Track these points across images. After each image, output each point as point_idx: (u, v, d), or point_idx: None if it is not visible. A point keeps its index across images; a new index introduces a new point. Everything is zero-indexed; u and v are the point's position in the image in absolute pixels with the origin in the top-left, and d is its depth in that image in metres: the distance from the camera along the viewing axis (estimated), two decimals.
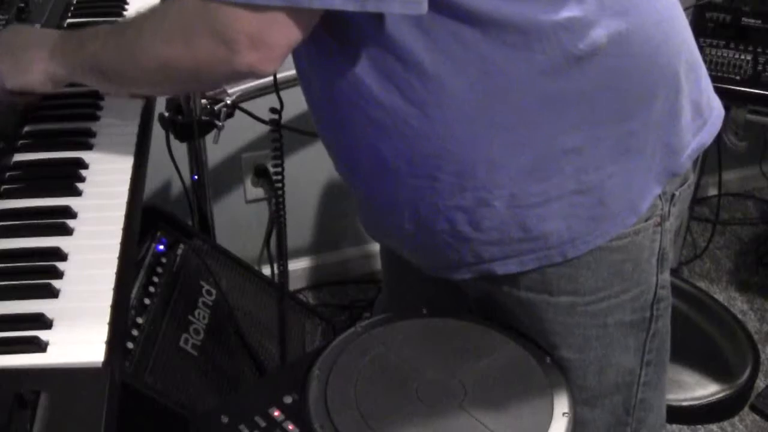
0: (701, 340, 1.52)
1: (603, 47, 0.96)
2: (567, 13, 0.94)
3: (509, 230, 1.03)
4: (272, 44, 0.91)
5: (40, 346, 0.86)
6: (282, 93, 1.57)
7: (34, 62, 1.13)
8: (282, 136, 1.26)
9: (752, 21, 2.06)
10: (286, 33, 0.91)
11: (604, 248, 1.06)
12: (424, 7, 0.89)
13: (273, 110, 1.29)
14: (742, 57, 2.02)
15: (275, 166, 1.25)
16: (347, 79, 0.99)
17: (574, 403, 1.11)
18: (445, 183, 1.02)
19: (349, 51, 0.98)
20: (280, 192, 1.27)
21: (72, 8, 1.50)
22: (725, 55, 2.03)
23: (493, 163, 1.00)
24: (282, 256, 1.36)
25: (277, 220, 1.32)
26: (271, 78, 1.80)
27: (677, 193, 1.10)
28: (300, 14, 0.90)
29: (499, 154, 0.99)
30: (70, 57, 1.11)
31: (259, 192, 2.32)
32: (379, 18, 0.93)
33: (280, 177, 1.26)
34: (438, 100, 0.97)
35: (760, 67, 2.00)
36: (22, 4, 1.37)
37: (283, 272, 1.38)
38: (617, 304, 1.10)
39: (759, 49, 2.03)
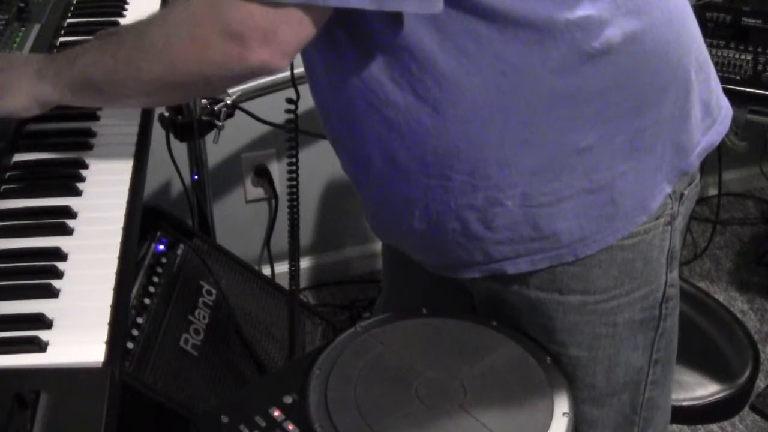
0: (701, 340, 1.52)
1: (617, 46, 0.97)
2: (582, 11, 0.94)
3: (521, 229, 1.04)
4: (285, 40, 0.90)
5: (40, 346, 0.86)
6: (279, 93, 1.57)
7: (17, 84, 1.05)
8: (298, 126, 1.25)
9: (752, 21, 2.06)
10: (300, 29, 0.90)
11: (615, 247, 1.06)
12: (439, 6, 0.89)
13: (289, 101, 1.28)
14: (742, 57, 2.02)
15: (290, 160, 1.24)
16: (360, 77, 0.99)
17: (582, 402, 1.12)
18: (457, 182, 1.02)
19: (364, 49, 0.97)
20: (294, 187, 1.26)
21: (72, 8, 1.50)
22: (725, 55, 2.03)
23: (505, 161, 1.00)
24: (294, 254, 1.35)
25: (291, 216, 1.30)
26: (269, 79, 1.80)
27: (686, 192, 1.11)
28: (315, 11, 0.90)
29: (512, 152, 0.99)
30: (60, 74, 1.03)
31: (259, 192, 2.32)
32: (395, 16, 0.93)
33: (294, 171, 1.25)
34: (452, 99, 0.97)
35: (760, 67, 2.00)
36: (22, 4, 1.37)
37: (295, 271, 1.37)
38: (627, 303, 1.10)
39: (759, 49, 2.03)
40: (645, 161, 1.03)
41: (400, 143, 1.02)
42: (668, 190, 1.07)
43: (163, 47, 0.94)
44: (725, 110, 1.15)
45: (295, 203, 1.27)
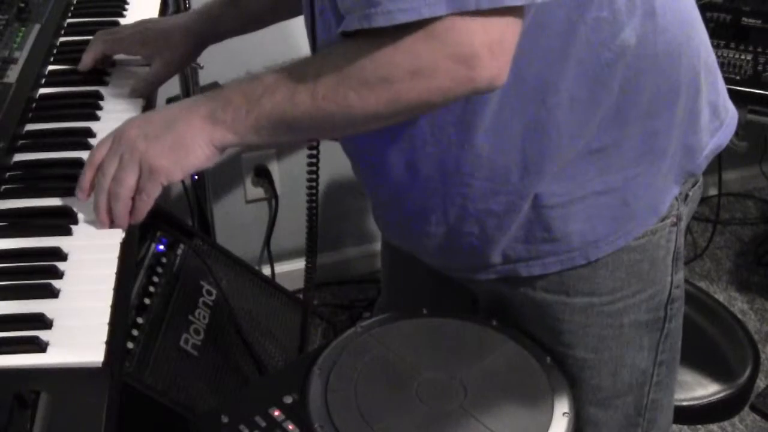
0: (701, 340, 1.52)
1: (632, 48, 0.97)
2: (599, 14, 0.94)
3: (534, 229, 1.04)
4: (508, 48, 0.86)
5: (40, 346, 0.86)
6: None
7: (194, 138, 0.97)
8: None
9: (752, 21, 2.06)
10: (516, 31, 0.86)
11: (623, 248, 1.06)
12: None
13: None
14: (742, 57, 2.02)
15: (311, 160, 1.22)
16: None
17: (587, 404, 1.12)
18: (477, 188, 1.02)
19: None
20: (314, 183, 1.24)
21: (72, 8, 1.50)
22: (725, 55, 2.03)
23: (525, 166, 1.00)
24: (312, 252, 1.33)
25: (309, 214, 1.28)
26: None
27: (690, 194, 1.11)
28: (528, 9, 0.87)
29: (531, 157, 0.99)
30: (240, 119, 0.95)
31: (259, 192, 2.32)
32: None
33: (315, 167, 1.23)
34: (474, 107, 0.96)
35: (760, 67, 2.00)
36: (22, 4, 1.37)
37: (311, 269, 1.34)
38: (633, 304, 1.10)
39: (759, 49, 2.03)
40: (657, 163, 1.04)
41: (421, 151, 1.01)
42: (677, 191, 1.08)
43: (379, 83, 0.88)
44: (731, 112, 1.15)
45: (314, 203, 1.26)
